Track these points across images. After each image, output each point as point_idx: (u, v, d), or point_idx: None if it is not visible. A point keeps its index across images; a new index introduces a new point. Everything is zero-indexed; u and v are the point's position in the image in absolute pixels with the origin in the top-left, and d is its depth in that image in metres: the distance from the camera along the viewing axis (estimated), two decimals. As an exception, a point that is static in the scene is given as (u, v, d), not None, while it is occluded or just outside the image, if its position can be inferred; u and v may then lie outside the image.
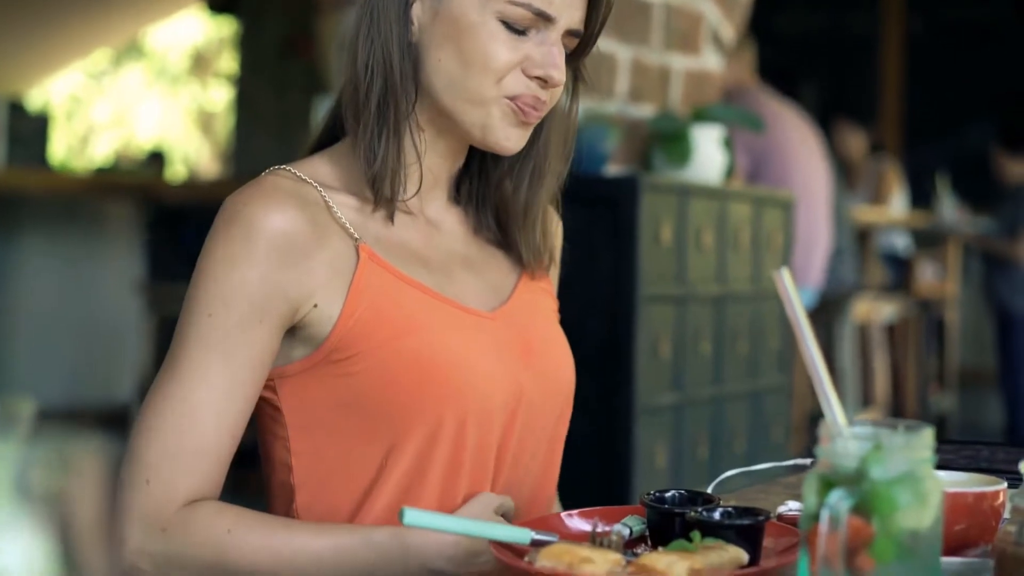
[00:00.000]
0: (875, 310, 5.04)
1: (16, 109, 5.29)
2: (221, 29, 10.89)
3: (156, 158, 7.42)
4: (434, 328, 1.35)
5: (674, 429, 2.95)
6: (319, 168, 1.40)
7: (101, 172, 6.56)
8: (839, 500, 0.95)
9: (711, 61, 3.66)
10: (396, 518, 1.29)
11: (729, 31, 3.72)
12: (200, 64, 12.61)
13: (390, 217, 1.38)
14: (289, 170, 1.37)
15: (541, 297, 1.50)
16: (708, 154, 3.17)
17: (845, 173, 6.37)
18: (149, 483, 1.26)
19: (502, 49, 1.34)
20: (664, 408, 2.91)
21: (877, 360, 5.10)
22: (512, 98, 1.35)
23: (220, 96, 11.91)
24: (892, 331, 5.44)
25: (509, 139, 1.37)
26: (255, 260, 1.29)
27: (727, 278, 3.16)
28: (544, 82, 1.36)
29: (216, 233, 1.31)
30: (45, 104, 8.88)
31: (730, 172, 3.25)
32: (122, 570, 1.26)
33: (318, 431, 1.35)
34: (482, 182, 1.47)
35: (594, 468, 2.80)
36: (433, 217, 1.45)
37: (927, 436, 0.99)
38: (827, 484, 0.97)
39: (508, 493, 1.41)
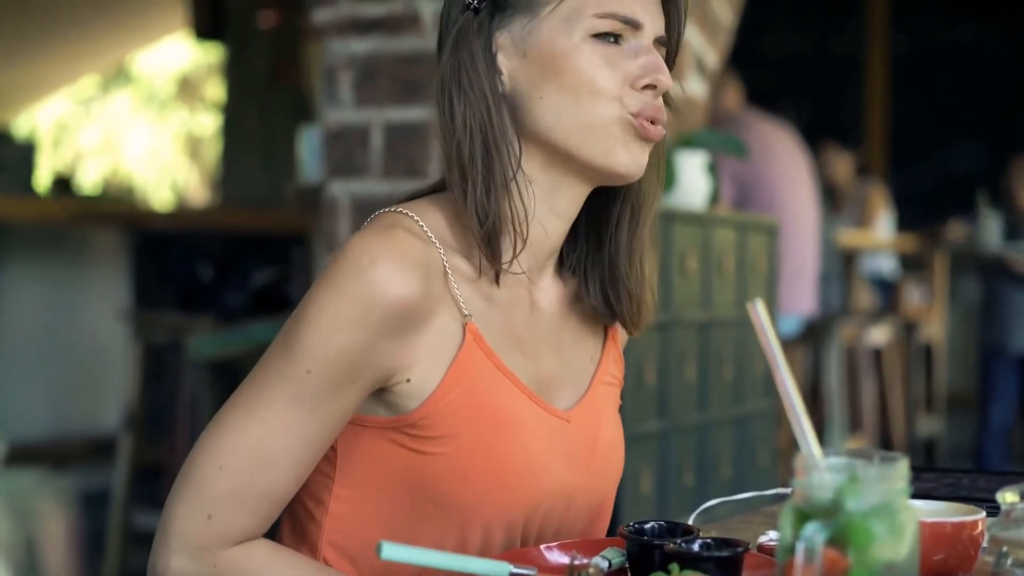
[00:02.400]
0: (862, 334, 5.05)
1: (2, 137, 5.29)
2: (208, 55, 10.90)
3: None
4: (520, 430, 1.32)
5: (659, 456, 2.94)
6: (438, 219, 1.34)
7: (88, 200, 6.55)
8: (814, 532, 0.95)
9: (695, 87, 3.67)
10: None
11: (713, 57, 3.73)
12: (187, 90, 12.62)
13: (496, 280, 1.33)
14: (414, 218, 1.32)
15: (612, 389, 1.47)
16: (692, 180, 3.17)
17: (831, 196, 6.39)
18: (211, 519, 1.24)
19: (603, 66, 1.30)
20: (649, 435, 2.91)
21: (864, 384, 5.11)
22: (634, 115, 1.31)
23: (208, 121, 11.91)
24: (879, 355, 5.44)
25: (634, 160, 1.32)
26: (367, 327, 1.24)
27: (712, 304, 3.16)
28: (654, 88, 1.32)
29: (335, 282, 1.26)
30: (32, 131, 8.87)
31: (715, 198, 3.26)
32: None
33: (367, 486, 1.32)
34: (591, 246, 1.42)
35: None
36: (538, 296, 1.39)
37: (902, 467, 0.99)
38: (802, 516, 0.97)
39: None
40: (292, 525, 1.38)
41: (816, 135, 6.56)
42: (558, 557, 1.23)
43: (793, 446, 3.41)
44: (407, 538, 1.29)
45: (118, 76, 12.02)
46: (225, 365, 3.71)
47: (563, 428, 1.36)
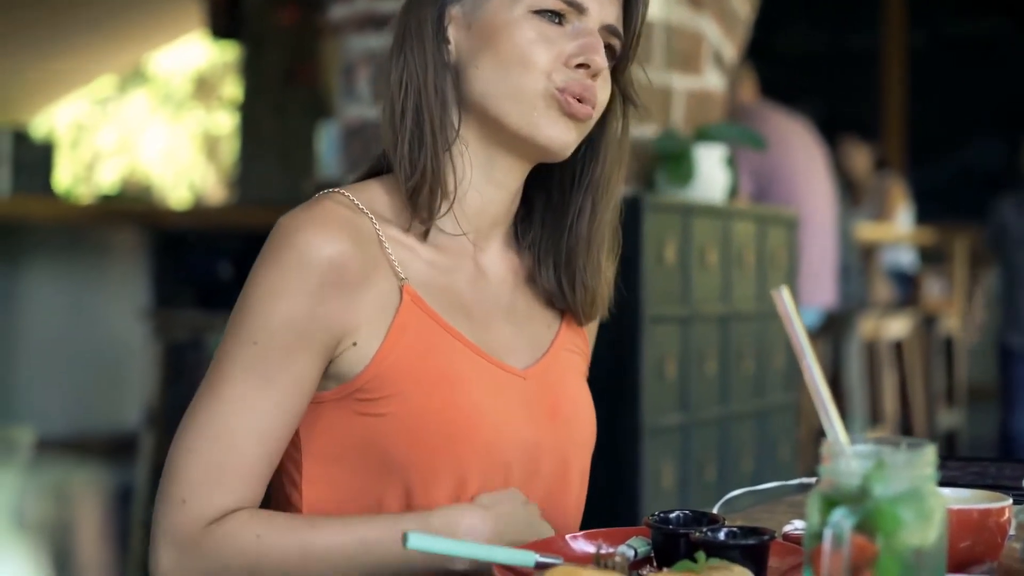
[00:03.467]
0: (882, 327, 5.03)
1: (21, 138, 5.31)
2: (224, 54, 10.92)
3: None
4: (467, 384, 1.34)
5: (681, 449, 2.94)
6: (374, 194, 1.38)
7: (106, 199, 6.57)
8: (842, 518, 0.95)
9: (713, 81, 3.66)
10: None
11: (731, 50, 3.73)
12: (204, 89, 12.64)
13: (425, 235, 1.37)
14: (345, 194, 1.36)
15: (574, 356, 1.48)
16: (711, 174, 3.17)
17: (850, 190, 6.37)
18: (185, 502, 1.26)
19: (538, 41, 1.34)
20: (671, 428, 2.90)
21: (885, 377, 5.09)
22: (559, 90, 1.34)
23: (224, 121, 11.94)
24: (899, 348, 5.43)
25: (559, 134, 1.35)
26: (304, 292, 1.28)
27: (732, 297, 3.16)
28: (587, 68, 1.35)
29: (267, 257, 1.31)
30: (49, 132, 8.90)
31: (733, 191, 3.25)
32: None
33: (333, 463, 1.34)
34: (546, 229, 1.45)
35: (601, 489, 2.79)
36: (485, 264, 1.42)
37: (929, 453, 0.98)
38: (830, 503, 0.97)
39: None
40: None
41: (834, 129, 6.55)
42: (583, 546, 1.23)
43: (814, 439, 3.40)
44: (377, 506, 1.32)
45: (135, 76, 12.05)
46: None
47: (519, 384, 1.38)
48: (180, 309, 4.61)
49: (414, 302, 1.33)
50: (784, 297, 1.04)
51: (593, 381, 2.84)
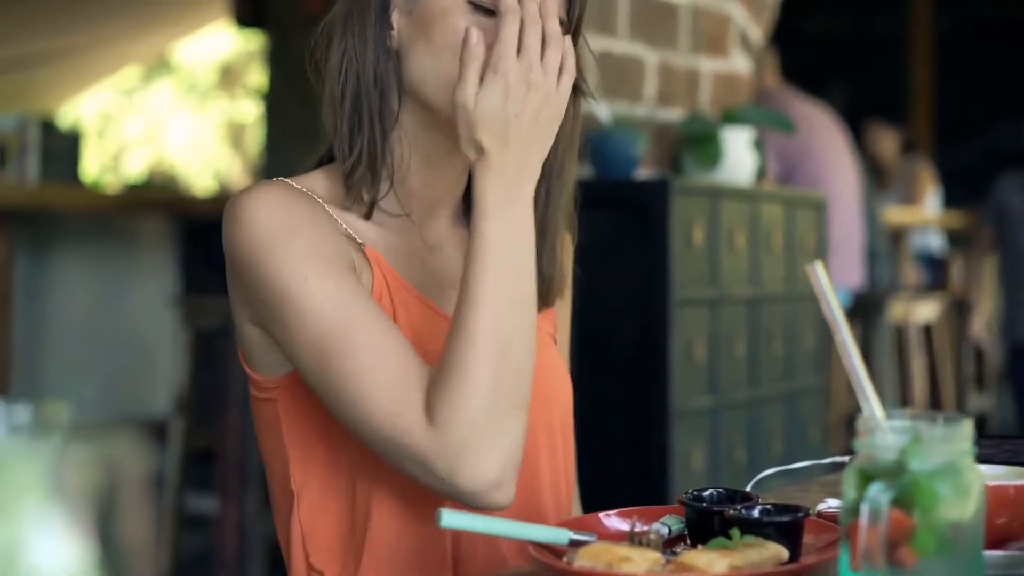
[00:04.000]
0: (911, 311, 5.01)
1: (48, 127, 5.32)
2: (249, 43, 10.94)
3: None
4: (430, 342, 1.35)
5: (710, 432, 2.93)
6: (316, 183, 1.40)
7: (133, 188, 6.59)
8: (879, 493, 0.94)
9: (740, 63, 3.65)
10: (396, 522, 1.33)
11: (757, 33, 3.71)
12: (229, 78, 12.66)
13: (368, 215, 1.38)
14: (285, 181, 1.38)
15: (540, 321, 1.47)
16: (738, 156, 3.16)
17: (877, 174, 6.34)
18: (398, 424, 1.24)
19: (472, 29, 1.32)
20: (700, 411, 2.90)
21: (914, 361, 5.07)
22: None
23: (250, 110, 11.96)
24: (929, 332, 5.40)
25: None
26: (306, 222, 1.31)
27: (761, 280, 3.15)
28: None
29: (245, 232, 1.30)
30: (76, 122, 8.94)
31: (761, 174, 3.24)
32: (484, 504, 1.23)
33: (315, 441, 1.36)
34: None
35: (630, 472, 2.79)
36: (431, 240, 1.44)
37: (966, 428, 0.98)
38: (866, 477, 0.96)
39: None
40: (281, 510, 1.40)
41: (861, 113, 6.52)
42: (617, 523, 1.23)
43: (843, 425, 3.39)
44: (361, 477, 1.34)
45: (160, 66, 12.08)
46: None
47: None
48: (209, 296, 4.62)
49: (379, 264, 1.36)
50: (818, 272, 1.03)
51: (621, 364, 2.85)
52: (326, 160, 1.45)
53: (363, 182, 1.37)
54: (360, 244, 1.37)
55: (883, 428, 0.97)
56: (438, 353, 1.31)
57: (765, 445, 3.13)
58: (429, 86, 1.36)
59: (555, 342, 1.53)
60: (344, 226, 1.37)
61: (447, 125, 1.36)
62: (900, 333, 5.00)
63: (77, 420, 0.55)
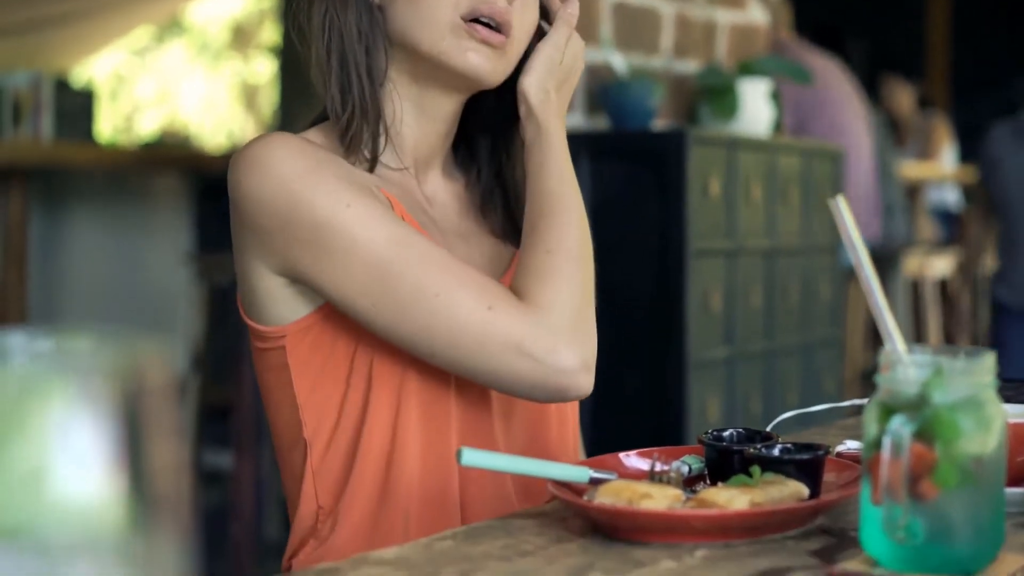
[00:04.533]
0: (927, 266, 5.00)
1: (62, 85, 5.32)
2: (261, 1, 10.90)
3: None
4: None
5: (726, 383, 2.93)
6: (315, 139, 1.40)
7: (147, 147, 6.59)
8: (901, 425, 0.94)
9: (756, 15, 3.63)
10: (410, 464, 1.34)
11: (773, -16, 3.69)
12: (241, 38, 12.63)
13: (372, 168, 1.39)
14: (290, 135, 1.38)
15: None
16: (755, 108, 3.14)
17: (894, 129, 6.31)
18: (493, 309, 1.27)
19: None
20: (716, 362, 2.90)
21: (929, 315, 5.06)
22: (470, 20, 1.36)
23: (263, 69, 11.94)
24: (944, 286, 5.39)
25: (474, 61, 1.37)
26: (327, 159, 1.32)
27: (777, 232, 3.14)
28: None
29: (269, 175, 1.30)
30: (89, 81, 8.93)
31: (778, 125, 3.23)
32: (573, 385, 1.28)
33: (328, 383, 1.36)
34: (491, 166, 1.49)
35: (647, 423, 2.80)
36: (429, 193, 1.45)
37: (989, 361, 0.97)
38: (888, 411, 0.96)
39: (509, 446, 1.41)
40: (289, 468, 1.41)
41: (878, 68, 6.48)
42: (637, 463, 1.23)
43: (859, 380, 3.38)
44: (376, 417, 1.34)
45: (172, 26, 12.05)
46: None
47: None
48: (223, 252, 4.63)
49: (396, 206, 1.36)
50: (840, 207, 1.03)
51: (637, 315, 2.85)
52: (320, 121, 1.45)
53: (359, 139, 1.38)
54: (376, 185, 1.37)
55: (905, 362, 0.97)
56: None
57: (781, 396, 3.13)
58: (411, 32, 1.37)
59: None
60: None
61: (433, 71, 1.38)
62: (915, 288, 4.99)
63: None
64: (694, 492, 1.13)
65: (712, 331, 2.88)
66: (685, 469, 1.20)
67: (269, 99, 10.73)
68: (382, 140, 1.39)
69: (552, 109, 1.40)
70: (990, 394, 0.97)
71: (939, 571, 0.96)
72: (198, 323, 4.12)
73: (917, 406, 0.95)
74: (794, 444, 1.18)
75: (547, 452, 1.45)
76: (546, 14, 1.45)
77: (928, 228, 6.15)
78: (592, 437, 2.40)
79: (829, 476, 1.17)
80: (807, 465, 1.14)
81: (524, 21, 1.39)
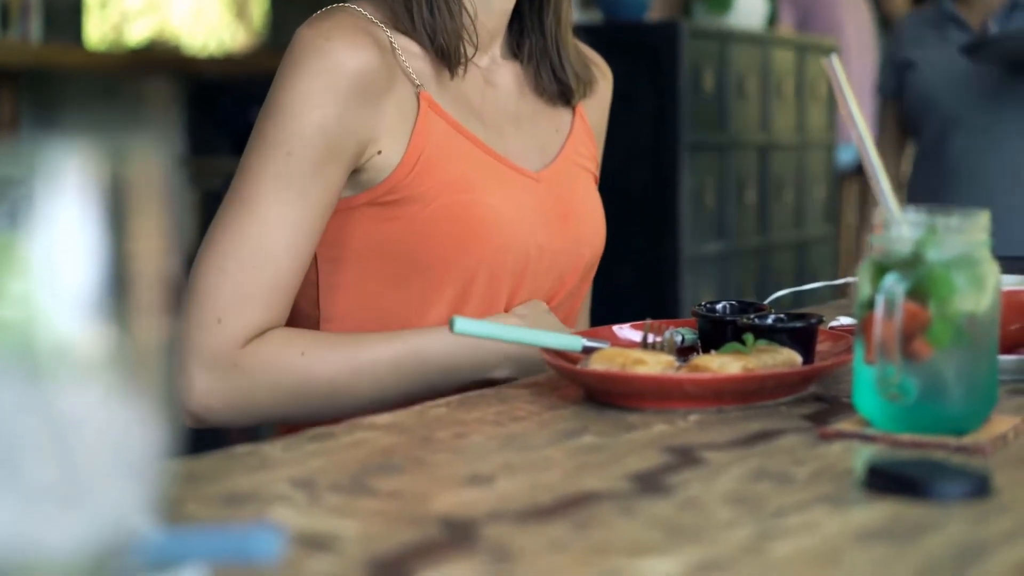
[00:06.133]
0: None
1: (50, -11, 5.26)
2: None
3: None
4: (483, 186, 1.36)
5: (720, 278, 2.93)
6: (380, 8, 1.38)
7: (137, 51, 6.54)
8: (894, 283, 0.93)
9: (751, -92, 3.58)
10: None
11: None
12: (231, -55, 12.48)
13: (452, 72, 1.38)
14: (356, 8, 1.37)
15: (583, 164, 1.50)
16: (750, 1, 3.11)
17: (889, 29, 6.26)
18: (221, 322, 1.25)
19: None
20: (710, 257, 2.89)
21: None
22: None
23: (253, -23, 11.79)
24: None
25: None
26: (336, 99, 1.29)
27: (771, 127, 3.12)
28: None
29: (296, 65, 1.29)
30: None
31: (773, 19, 3.20)
32: (191, 414, 1.25)
33: (350, 268, 1.35)
34: (536, 35, 1.47)
35: (639, 318, 2.79)
36: (488, 73, 1.45)
37: (983, 219, 0.97)
38: (882, 271, 0.95)
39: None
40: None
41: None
42: (630, 334, 1.23)
43: (852, 271, 3.36)
44: (396, 313, 1.34)
45: (161, -67, 11.90)
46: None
47: (532, 187, 1.41)
48: (215, 156, 4.61)
49: (431, 108, 1.35)
50: (835, 65, 1.02)
51: (631, 209, 2.84)
52: None
53: (453, 39, 1.37)
54: (417, 85, 1.36)
55: (899, 220, 0.96)
56: (490, 197, 1.34)
57: (774, 291, 3.13)
58: None
59: (596, 181, 1.53)
60: (406, 63, 1.36)
61: None
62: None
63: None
64: (687, 361, 1.13)
65: (706, 226, 2.87)
66: (678, 338, 1.20)
67: (260, 7, 10.62)
68: (471, 49, 1.39)
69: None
70: (984, 252, 0.97)
71: (931, 430, 0.96)
72: (190, 226, 4.11)
73: (911, 264, 0.94)
74: (787, 314, 1.18)
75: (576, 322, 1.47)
76: None
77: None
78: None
79: (823, 347, 1.17)
80: (800, 333, 1.14)
81: None
